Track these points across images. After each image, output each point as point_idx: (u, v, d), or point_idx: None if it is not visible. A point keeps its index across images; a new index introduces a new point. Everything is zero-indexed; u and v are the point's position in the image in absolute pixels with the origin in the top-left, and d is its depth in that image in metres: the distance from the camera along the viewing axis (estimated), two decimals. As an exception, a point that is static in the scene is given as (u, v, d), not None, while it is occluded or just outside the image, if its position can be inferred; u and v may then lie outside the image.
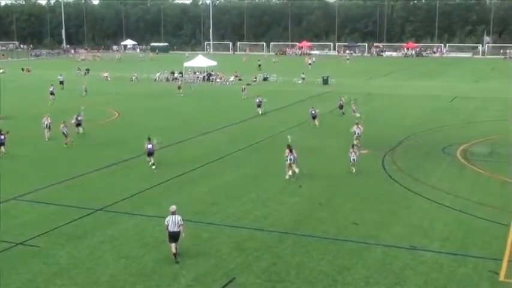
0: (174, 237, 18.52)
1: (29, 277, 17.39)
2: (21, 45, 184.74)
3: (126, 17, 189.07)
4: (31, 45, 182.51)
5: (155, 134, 39.53)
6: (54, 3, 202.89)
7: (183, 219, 18.75)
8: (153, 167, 30.58)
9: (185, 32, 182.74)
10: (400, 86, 73.42)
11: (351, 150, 30.02)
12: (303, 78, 78.22)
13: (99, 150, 35.35)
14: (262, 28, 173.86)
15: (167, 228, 18.61)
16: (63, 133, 36.85)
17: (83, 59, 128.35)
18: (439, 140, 38.24)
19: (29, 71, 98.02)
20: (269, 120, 46.40)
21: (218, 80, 79.21)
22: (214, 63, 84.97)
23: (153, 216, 22.76)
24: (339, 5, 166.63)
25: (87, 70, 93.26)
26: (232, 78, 78.91)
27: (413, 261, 18.52)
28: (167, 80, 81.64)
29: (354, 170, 29.67)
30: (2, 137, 34.47)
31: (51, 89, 58.26)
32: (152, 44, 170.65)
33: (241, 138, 38.23)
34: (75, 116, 40.17)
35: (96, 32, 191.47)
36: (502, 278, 17.30)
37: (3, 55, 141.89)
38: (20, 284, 16.95)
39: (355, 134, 35.68)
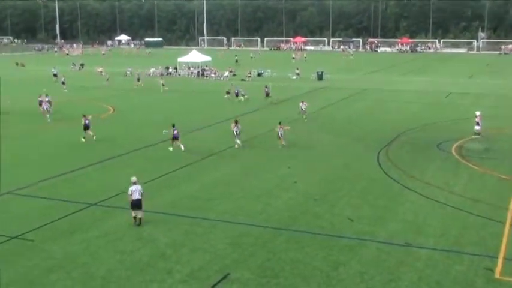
0: (137, 204, 21.11)
1: (24, 271, 17.35)
2: (15, 40, 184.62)
3: (120, 12, 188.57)
4: (25, 40, 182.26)
5: (148, 129, 39.67)
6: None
7: (143, 189, 21.53)
8: (93, 137, 35.80)
9: (179, 27, 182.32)
10: (395, 82, 73.49)
11: (279, 126, 34.71)
12: (298, 74, 78.16)
13: (93, 145, 35.21)
14: (256, 23, 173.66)
15: (131, 197, 21.06)
16: (46, 109, 44.65)
17: (67, 54, 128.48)
18: (434, 136, 38.26)
19: (23, 66, 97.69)
20: (263, 115, 46.32)
21: (212, 75, 79.07)
22: (208, 58, 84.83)
23: (147, 211, 22.65)
24: (333, 1, 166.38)
25: (82, 65, 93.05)
26: (226, 73, 78.76)
27: (408, 257, 18.53)
28: (161, 75, 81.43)
29: (284, 143, 34.27)
30: None
31: (62, 79, 65.13)
32: (146, 39, 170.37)
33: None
34: (45, 98, 46.36)
35: (90, 27, 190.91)
36: (497, 275, 17.31)
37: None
38: (14, 278, 16.92)
39: (301, 110, 43.64)
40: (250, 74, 78.00)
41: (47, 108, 45.23)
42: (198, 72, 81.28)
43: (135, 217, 21.27)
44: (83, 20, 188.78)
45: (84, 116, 36.83)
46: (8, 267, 17.56)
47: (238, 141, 34.42)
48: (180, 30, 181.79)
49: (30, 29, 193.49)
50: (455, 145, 35.24)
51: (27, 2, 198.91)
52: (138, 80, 67.84)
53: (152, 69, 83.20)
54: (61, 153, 33.49)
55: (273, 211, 23.06)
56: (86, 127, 36.39)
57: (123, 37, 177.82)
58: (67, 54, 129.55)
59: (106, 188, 25.91)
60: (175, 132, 33.61)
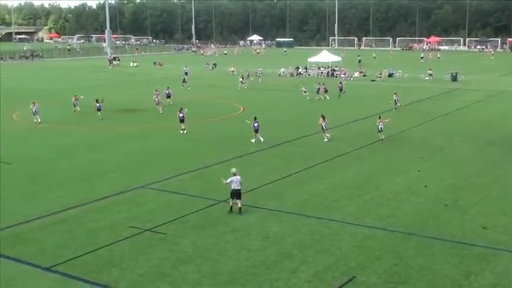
0: (236, 194, 22.47)
1: (156, 262, 18.08)
2: (154, 40, 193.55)
3: (252, 12, 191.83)
4: (163, 40, 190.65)
5: (277, 128, 40.09)
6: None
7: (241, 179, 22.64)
8: (184, 131, 38.59)
9: (310, 27, 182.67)
10: (536, 84, 69.35)
11: (378, 120, 36.37)
12: (430, 75, 75.83)
13: (224, 143, 36.11)
14: (389, 23, 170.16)
15: (231, 186, 22.40)
16: (156, 102, 48.74)
17: (202, 54, 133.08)
18: None
19: (161, 65, 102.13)
20: (393, 117, 45.32)
21: (342, 75, 78.53)
22: (338, 58, 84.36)
23: (274, 210, 22.98)
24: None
25: (215, 65, 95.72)
26: (356, 74, 77.94)
27: (547, 270, 17.43)
28: (291, 75, 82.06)
29: (383, 137, 35.74)
30: (98, 104, 44.89)
31: (183, 78, 69.17)
32: (277, 39, 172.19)
33: (364, 135, 37.66)
34: (165, 91, 52.68)
35: (224, 28, 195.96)
36: None
37: (137, 49, 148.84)
38: (147, 269, 17.65)
39: (395, 102, 48.28)
40: (381, 74, 76.71)
41: (158, 101, 48.64)
42: (328, 72, 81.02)
43: (231, 207, 22.65)
44: (217, 19, 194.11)
45: (181, 109, 39.25)
46: (141, 258, 18.37)
47: (328, 135, 36.34)
48: (310, 31, 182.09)
49: (168, 29, 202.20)
50: None
51: (166, 3, 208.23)
52: (243, 78, 68.68)
53: (282, 69, 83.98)
54: (190, 151, 34.52)
55: (401, 215, 22.53)
56: (181, 120, 38.75)
57: (255, 37, 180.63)
58: (202, 54, 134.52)
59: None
60: (256, 125, 35.53)
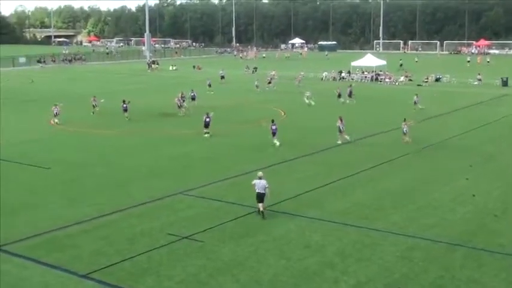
0: (259, 197, 22.46)
1: (193, 271, 17.70)
2: (194, 44, 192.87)
3: (295, 14, 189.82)
4: (203, 44, 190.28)
5: (318, 134, 39.47)
6: (225, 1, 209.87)
7: (268, 184, 22.48)
8: (207, 135, 38.50)
9: (354, 30, 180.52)
10: None
11: (403, 123, 36.33)
12: (479, 80, 73.98)
13: (264, 149, 35.49)
14: (436, 26, 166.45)
15: (255, 190, 22.53)
16: (178, 105, 48.57)
17: (241, 57, 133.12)
18: None
19: (199, 69, 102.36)
20: (439, 124, 44.23)
21: (387, 80, 77.29)
22: (383, 62, 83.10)
23: (314, 218, 22.42)
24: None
25: (255, 68, 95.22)
26: (402, 78, 76.58)
27: None
28: (334, 79, 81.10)
29: (408, 139, 35.57)
30: (125, 105, 45.93)
31: (208, 82, 66.86)
32: (320, 42, 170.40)
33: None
34: (190, 93, 53.27)
35: (265, 30, 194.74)
36: None
37: (176, 53, 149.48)
38: (184, 277, 17.30)
39: (415, 103, 48.74)
40: (427, 79, 75.22)
41: (180, 104, 48.99)
42: (372, 76, 79.80)
43: (262, 211, 22.56)
44: (258, 22, 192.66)
45: (207, 113, 39.19)
46: (178, 266, 18.03)
47: (347, 137, 36.20)
48: (354, 34, 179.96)
49: (208, 32, 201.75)
50: None
51: (206, 5, 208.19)
52: (269, 83, 67.82)
53: (325, 73, 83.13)
54: (229, 157, 33.95)
55: (447, 225, 21.71)
56: (206, 125, 38.68)
57: (297, 40, 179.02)
58: (241, 57, 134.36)
59: (275, 192, 25.54)
60: (274, 127, 35.76)
